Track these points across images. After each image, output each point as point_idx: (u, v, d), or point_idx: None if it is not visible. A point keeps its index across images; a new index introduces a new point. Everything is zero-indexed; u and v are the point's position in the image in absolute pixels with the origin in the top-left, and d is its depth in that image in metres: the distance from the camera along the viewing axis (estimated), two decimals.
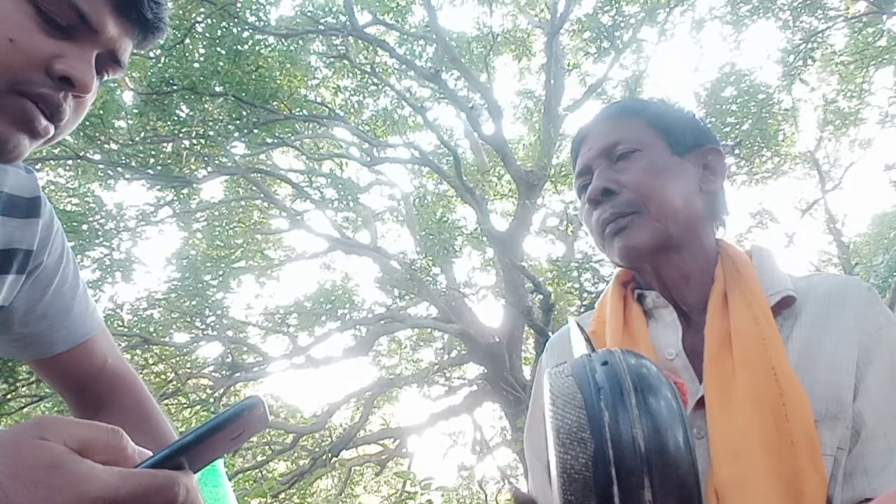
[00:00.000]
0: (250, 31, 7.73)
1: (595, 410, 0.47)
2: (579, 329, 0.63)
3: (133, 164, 7.61)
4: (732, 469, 0.66)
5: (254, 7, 7.65)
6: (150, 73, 7.35)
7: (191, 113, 7.72)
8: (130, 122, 7.69)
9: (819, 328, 0.72)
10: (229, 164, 8.15)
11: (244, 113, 7.73)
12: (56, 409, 6.93)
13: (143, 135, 7.63)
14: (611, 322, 0.83)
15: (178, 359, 8.40)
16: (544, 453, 0.59)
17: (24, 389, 6.73)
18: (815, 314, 0.74)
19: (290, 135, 8.84)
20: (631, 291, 0.86)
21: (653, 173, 0.78)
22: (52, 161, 7.62)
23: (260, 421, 0.43)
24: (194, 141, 7.89)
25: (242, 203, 9.68)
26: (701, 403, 0.72)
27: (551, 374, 0.53)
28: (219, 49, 7.57)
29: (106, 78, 0.62)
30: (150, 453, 0.42)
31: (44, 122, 0.56)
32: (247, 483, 7.38)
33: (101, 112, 6.89)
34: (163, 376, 8.06)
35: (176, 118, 7.71)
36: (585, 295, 6.35)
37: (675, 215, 0.77)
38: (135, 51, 0.63)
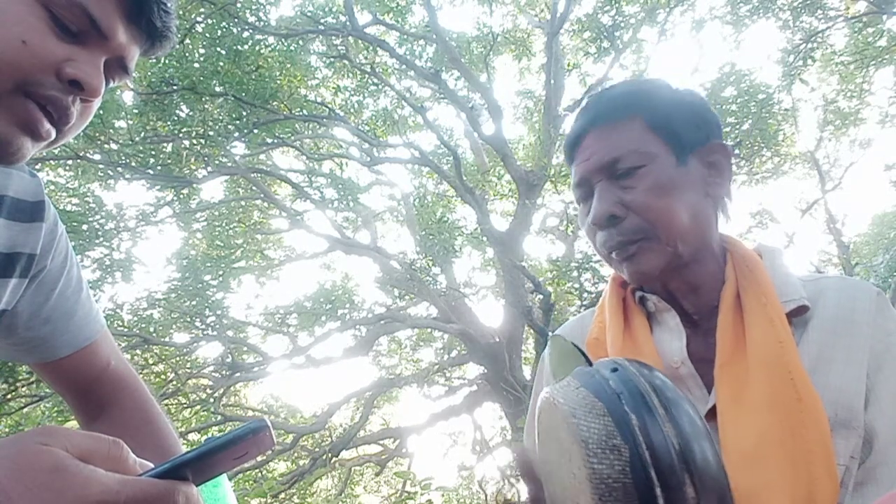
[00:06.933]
0: (250, 31, 7.74)
1: (621, 415, 0.46)
2: (569, 343, 0.59)
3: (133, 164, 7.61)
4: (746, 478, 0.63)
5: (254, 7, 7.65)
6: (150, 73, 7.35)
7: (191, 113, 7.72)
8: (130, 122, 7.69)
9: (830, 335, 0.70)
10: (229, 164, 8.16)
11: (244, 113, 7.73)
12: (56, 409, 6.94)
13: (143, 135, 7.62)
14: (611, 328, 0.79)
15: (178, 359, 8.40)
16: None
17: (24, 389, 6.73)
18: (825, 321, 0.71)
19: (290, 135, 8.84)
20: (631, 293, 0.82)
21: (659, 193, 0.72)
22: (52, 161, 7.62)
23: (264, 443, 0.45)
24: (194, 141, 7.89)
25: (242, 203, 9.68)
26: (711, 414, 0.69)
27: (558, 390, 0.51)
28: (219, 49, 7.57)
29: (112, 84, 0.63)
30: (152, 465, 0.43)
31: (47, 125, 0.57)
32: (247, 483, 7.39)
33: (101, 112, 6.88)
34: (163, 376, 8.06)
35: (176, 118, 7.71)
36: (585, 295, 6.35)
37: (685, 236, 0.73)
38: (140, 57, 0.65)
